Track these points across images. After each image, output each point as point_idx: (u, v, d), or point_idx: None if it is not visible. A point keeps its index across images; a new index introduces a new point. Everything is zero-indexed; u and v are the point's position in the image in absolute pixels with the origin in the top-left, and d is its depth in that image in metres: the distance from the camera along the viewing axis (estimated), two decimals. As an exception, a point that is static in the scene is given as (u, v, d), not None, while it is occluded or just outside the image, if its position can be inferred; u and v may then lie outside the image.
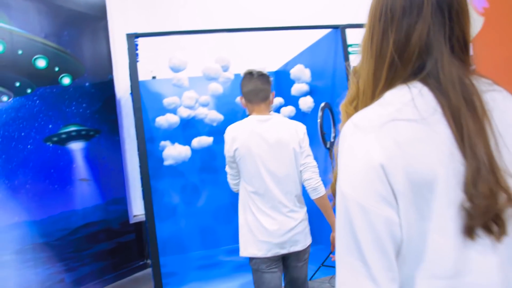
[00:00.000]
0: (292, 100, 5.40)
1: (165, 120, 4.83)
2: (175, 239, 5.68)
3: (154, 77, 5.80)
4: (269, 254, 2.16)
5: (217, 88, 5.19)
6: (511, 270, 0.68)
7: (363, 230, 0.67)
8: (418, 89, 0.73)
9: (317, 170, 2.27)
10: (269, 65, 5.54)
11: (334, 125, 4.06)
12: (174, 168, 5.71)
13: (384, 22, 0.77)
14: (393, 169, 0.68)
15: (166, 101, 4.81)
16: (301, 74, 4.43)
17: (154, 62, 5.82)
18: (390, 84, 0.77)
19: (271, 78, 2.38)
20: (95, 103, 4.90)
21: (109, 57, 5.25)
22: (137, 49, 4.07)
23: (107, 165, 4.93)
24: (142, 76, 6.21)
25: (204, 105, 5.31)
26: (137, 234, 5.29)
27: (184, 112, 5.24)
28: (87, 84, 4.81)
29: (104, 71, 5.17)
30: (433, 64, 0.73)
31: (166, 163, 4.12)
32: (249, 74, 2.36)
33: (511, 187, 0.66)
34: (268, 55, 5.96)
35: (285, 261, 2.28)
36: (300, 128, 2.34)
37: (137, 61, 4.60)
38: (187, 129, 5.82)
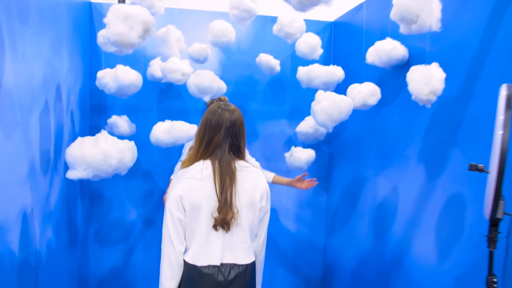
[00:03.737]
0: (370, 73, 3.09)
1: (111, 78, 2.58)
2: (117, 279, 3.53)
3: (122, 1, 3.53)
4: None
5: (224, 30, 2.89)
6: (228, 244, 1.76)
7: (169, 221, 1.74)
8: (206, 164, 1.78)
9: None
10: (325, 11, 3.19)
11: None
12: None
13: (204, 129, 1.81)
14: (184, 199, 1.73)
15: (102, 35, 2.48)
16: (405, 19, 2.07)
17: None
18: (199, 158, 1.81)
19: None
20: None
21: None
22: None
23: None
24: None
25: (200, 61, 3.04)
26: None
27: (157, 70, 2.96)
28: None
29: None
30: (219, 154, 1.79)
31: (70, 175, 1.88)
32: None
33: (235, 212, 1.74)
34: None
35: None
36: None
37: None
38: (165, 102, 3.57)
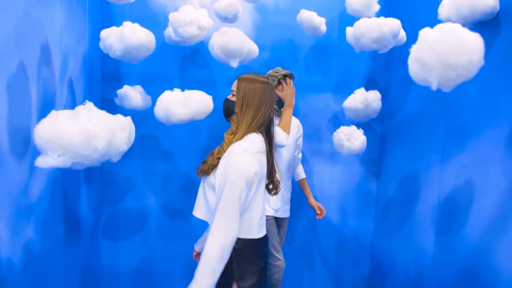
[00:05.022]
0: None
1: (117, 38, 2.08)
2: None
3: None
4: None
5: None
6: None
7: (243, 199, 1.66)
8: (263, 138, 1.81)
9: None
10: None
11: None
12: (152, 137, 3.09)
13: (260, 102, 1.78)
14: (258, 174, 1.71)
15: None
16: None
17: None
18: (251, 130, 1.78)
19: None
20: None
21: None
22: None
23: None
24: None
25: (229, 20, 2.48)
26: None
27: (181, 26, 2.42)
28: None
29: None
30: (269, 125, 1.85)
31: (40, 163, 1.43)
32: None
33: (278, 178, 1.94)
34: None
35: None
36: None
37: None
38: (189, 70, 3.05)
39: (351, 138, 2.71)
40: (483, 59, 1.67)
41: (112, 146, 1.44)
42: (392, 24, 2.39)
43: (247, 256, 1.74)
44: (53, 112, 1.40)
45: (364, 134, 2.82)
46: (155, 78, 3.02)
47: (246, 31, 2.92)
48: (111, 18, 2.93)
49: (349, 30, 2.60)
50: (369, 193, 3.35)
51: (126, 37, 2.04)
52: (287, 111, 2.54)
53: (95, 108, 1.45)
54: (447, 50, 1.59)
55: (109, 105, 2.81)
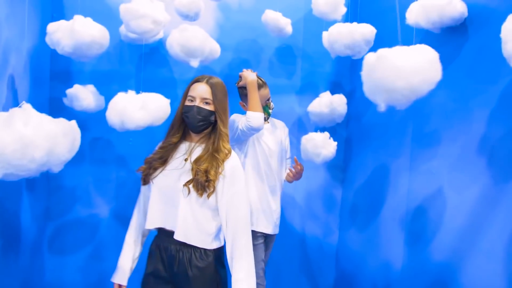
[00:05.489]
0: (409, 38, 2.41)
1: (66, 33, 1.89)
2: None
3: None
4: None
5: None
6: None
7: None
8: None
9: None
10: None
11: None
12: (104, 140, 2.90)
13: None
14: None
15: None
16: None
17: None
18: None
19: None
20: None
21: None
22: None
23: None
24: None
25: (190, 18, 2.33)
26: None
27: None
28: None
29: None
30: None
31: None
32: None
33: None
34: None
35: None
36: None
37: None
38: (147, 69, 2.87)
39: (326, 145, 2.61)
40: (438, 74, 1.65)
41: (52, 155, 1.26)
42: (365, 31, 2.37)
43: (217, 266, 1.67)
44: (-18, 115, 1.20)
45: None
46: (109, 77, 2.83)
47: (208, 30, 2.78)
48: (62, 11, 2.72)
49: (324, 35, 2.53)
50: (334, 200, 3.27)
51: (77, 32, 1.86)
52: (250, 87, 2.28)
53: (34, 111, 1.26)
54: (382, 77, 1.63)
55: (58, 105, 2.61)
